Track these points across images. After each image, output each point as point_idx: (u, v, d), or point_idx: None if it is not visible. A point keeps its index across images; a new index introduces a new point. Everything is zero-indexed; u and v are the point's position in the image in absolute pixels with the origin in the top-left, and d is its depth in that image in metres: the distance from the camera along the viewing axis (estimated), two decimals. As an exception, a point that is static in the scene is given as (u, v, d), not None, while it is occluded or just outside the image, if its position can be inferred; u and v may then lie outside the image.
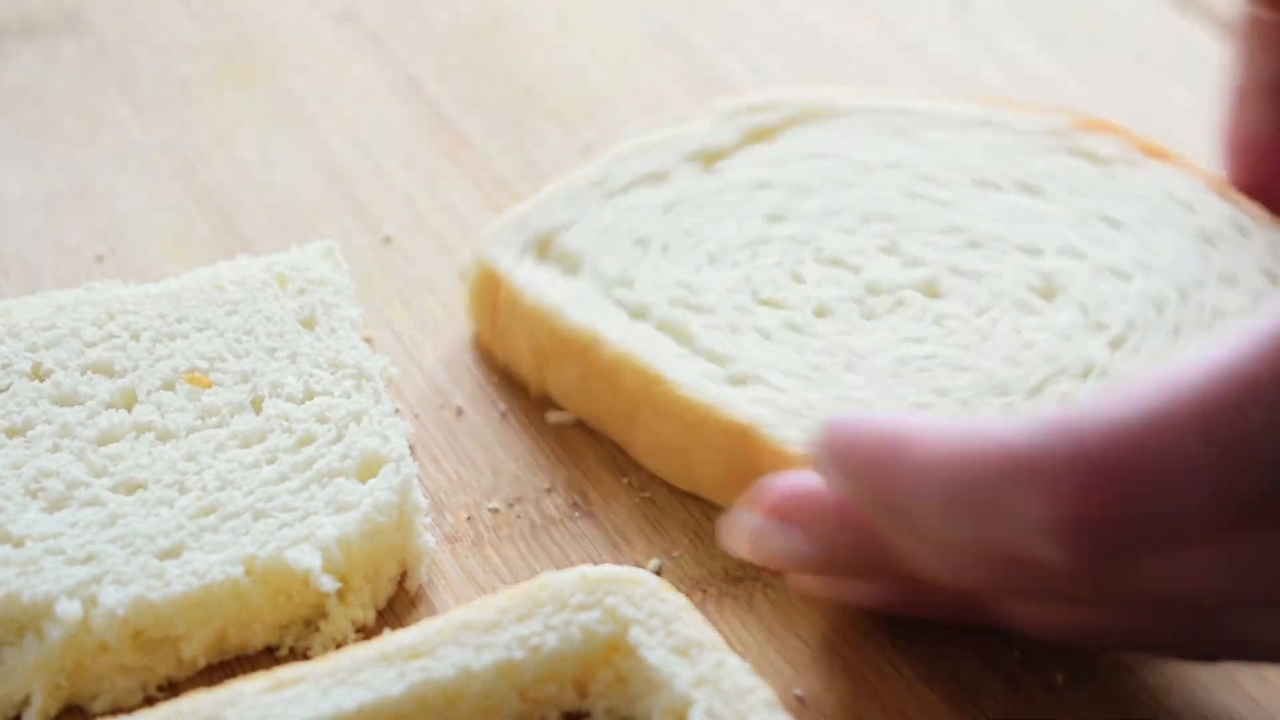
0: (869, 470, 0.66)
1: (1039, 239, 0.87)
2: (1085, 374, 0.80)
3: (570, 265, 0.87)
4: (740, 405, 0.79)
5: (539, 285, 0.85)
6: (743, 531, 0.71)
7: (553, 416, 0.85)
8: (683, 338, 0.83)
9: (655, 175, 0.91)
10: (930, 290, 0.85)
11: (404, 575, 0.77)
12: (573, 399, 0.85)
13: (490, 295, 0.87)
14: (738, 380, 0.81)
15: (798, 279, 0.86)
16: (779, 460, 0.76)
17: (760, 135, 0.94)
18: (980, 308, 0.84)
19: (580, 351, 0.83)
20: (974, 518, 0.63)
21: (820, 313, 0.84)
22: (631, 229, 0.88)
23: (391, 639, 0.69)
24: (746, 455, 0.78)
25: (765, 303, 0.85)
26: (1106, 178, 0.90)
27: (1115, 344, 0.81)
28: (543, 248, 0.88)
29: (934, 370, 0.81)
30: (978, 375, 0.80)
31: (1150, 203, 0.88)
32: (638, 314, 0.84)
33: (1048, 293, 0.84)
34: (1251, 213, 0.87)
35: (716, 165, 0.92)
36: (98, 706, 0.72)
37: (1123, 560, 0.61)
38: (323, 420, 0.79)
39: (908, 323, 0.83)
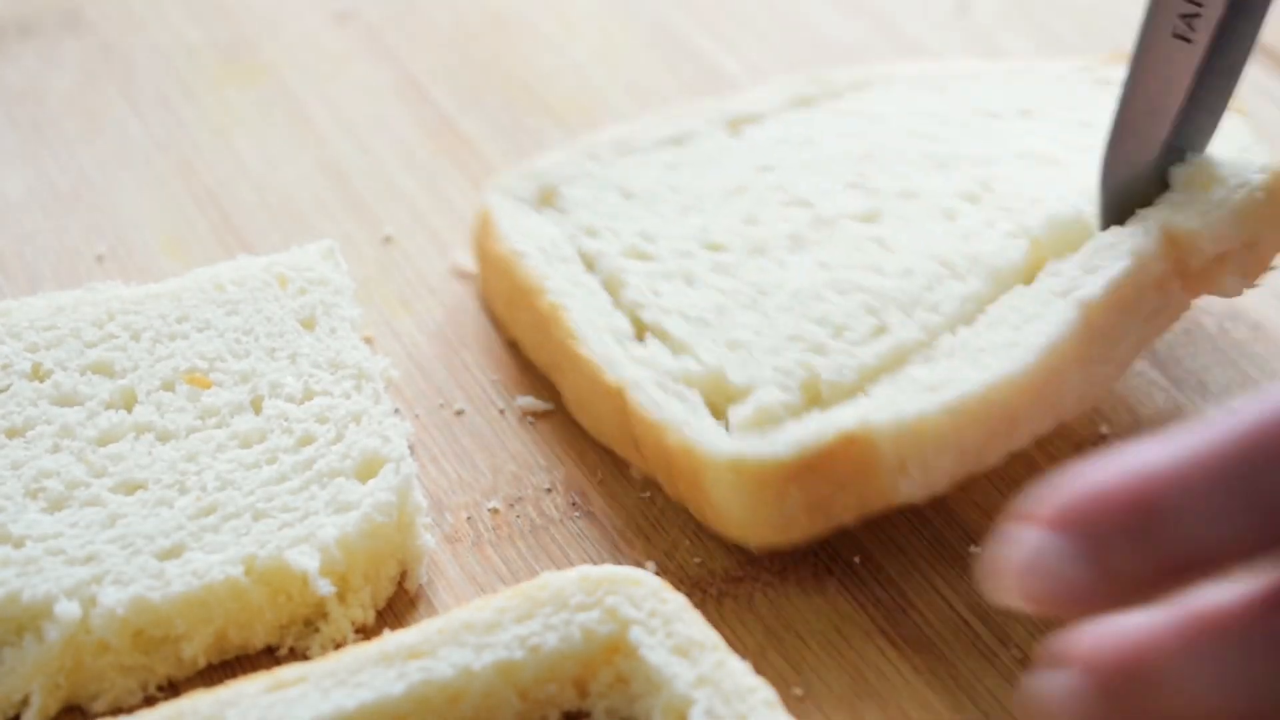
0: (1128, 501, 0.57)
1: (1001, 150, 0.86)
2: (967, 274, 0.79)
3: (558, 215, 0.88)
4: (622, 365, 0.79)
5: (515, 231, 0.86)
6: (1012, 562, 0.58)
7: (520, 401, 0.85)
8: (615, 288, 0.83)
9: (677, 137, 0.92)
10: (869, 216, 0.84)
11: (404, 575, 0.77)
12: (530, 350, 0.86)
13: (483, 240, 0.88)
14: (641, 333, 0.81)
15: (753, 221, 0.85)
16: (644, 425, 0.77)
17: (803, 102, 0.94)
18: (908, 224, 0.83)
19: (529, 299, 0.84)
20: (1253, 471, 0.56)
21: (755, 251, 0.83)
22: (625, 183, 0.89)
23: (391, 639, 0.69)
24: (624, 416, 0.78)
25: (710, 246, 0.84)
26: (1107, 95, 0.85)
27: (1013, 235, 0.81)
28: (546, 198, 0.89)
29: (823, 296, 0.80)
30: (863, 295, 0.79)
31: None
32: (591, 263, 0.85)
33: (974, 197, 0.84)
34: None
35: (744, 129, 0.92)
36: (98, 706, 0.72)
37: None
38: (323, 420, 0.79)
39: (828, 250, 0.82)
